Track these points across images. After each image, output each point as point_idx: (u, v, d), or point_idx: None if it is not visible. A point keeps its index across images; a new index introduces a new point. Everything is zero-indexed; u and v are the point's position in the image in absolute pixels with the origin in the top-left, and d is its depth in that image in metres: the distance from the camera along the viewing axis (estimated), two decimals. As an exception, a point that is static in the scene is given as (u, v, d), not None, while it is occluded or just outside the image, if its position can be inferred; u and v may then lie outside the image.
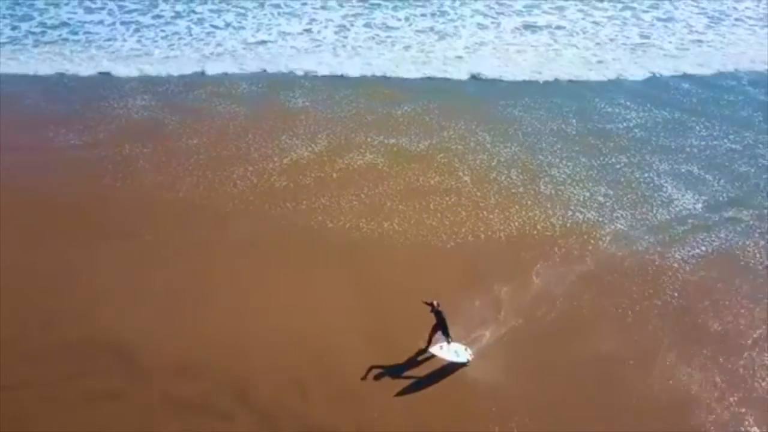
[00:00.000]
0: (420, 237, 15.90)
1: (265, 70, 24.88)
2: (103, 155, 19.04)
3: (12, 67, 25.16)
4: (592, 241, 15.73)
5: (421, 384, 12.10)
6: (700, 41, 27.74)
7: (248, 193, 17.35)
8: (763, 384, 12.25)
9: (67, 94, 23.23)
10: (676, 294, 14.24)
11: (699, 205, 16.93)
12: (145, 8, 30.87)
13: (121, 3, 31.34)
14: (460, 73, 24.83)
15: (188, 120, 21.10)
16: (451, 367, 12.31)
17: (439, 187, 17.76)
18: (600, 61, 26.20)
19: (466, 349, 12.46)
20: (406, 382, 12.11)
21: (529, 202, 17.06)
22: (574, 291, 14.20)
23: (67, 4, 31.31)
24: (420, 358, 12.48)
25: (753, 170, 18.42)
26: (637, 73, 24.94)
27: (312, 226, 16.27)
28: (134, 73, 24.93)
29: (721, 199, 17.21)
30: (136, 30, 28.83)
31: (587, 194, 17.45)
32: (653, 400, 11.98)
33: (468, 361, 12.36)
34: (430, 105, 22.26)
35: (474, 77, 24.50)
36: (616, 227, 16.19)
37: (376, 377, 12.11)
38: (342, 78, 24.25)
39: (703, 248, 15.41)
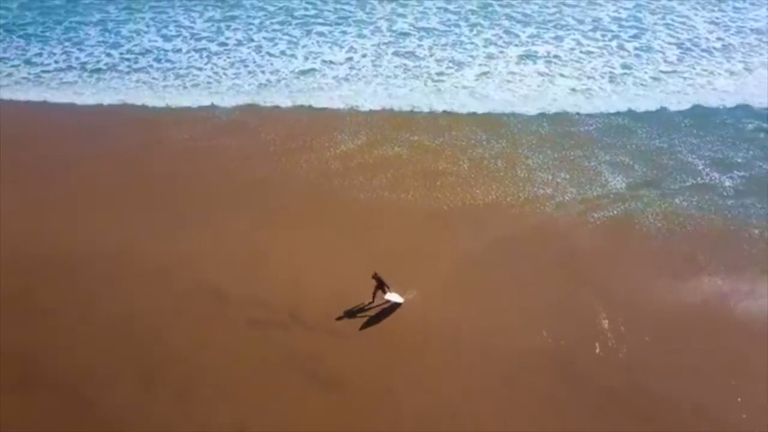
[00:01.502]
0: (426, 204, 24.79)
1: (311, 106, 32.53)
2: (203, 146, 28.52)
3: (117, 92, 34.47)
4: (541, 207, 24.47)
5: (382, 315, 20.08)
6: (674, 71, 35.60)
7: (311, 174, 26.38)
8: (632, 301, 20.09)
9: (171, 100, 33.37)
10: (585, 238, 22.95)
11: (623, 185, 25.67)
12: (212, 35, 40.23)
13: (192, 30, 40.73)
14: (464, 107, 32.46)
15: (265, 121, 30.65)
16: (393, 306, 20.05)
17: (444, 171, 26.68)
18: (587, 89, 33.89)
19: (399, 296, 20.13)
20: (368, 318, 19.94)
21: (507, 182, 25.92)
22: (520, 240, 22.71)
23: (147, 33, 40.72)
24: (374, 304, 20.07)
25: (672, 162, 27.00)
26: (615, 104, 32.41)
27: (351, 197, 25.00)
28: (206, 102, 33.11)
29: (639, 181, 25.86)
30: (208, 57, 37.73)
31: (549, 177, 26.25)
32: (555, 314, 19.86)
33: (402, 302, 20.15)
34: (442, 112, 31.83)
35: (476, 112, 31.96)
36: (563, 199, 24.90)
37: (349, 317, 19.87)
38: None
39: (614, 212, 24.21)
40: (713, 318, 19.59)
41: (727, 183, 26.00)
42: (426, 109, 32.43)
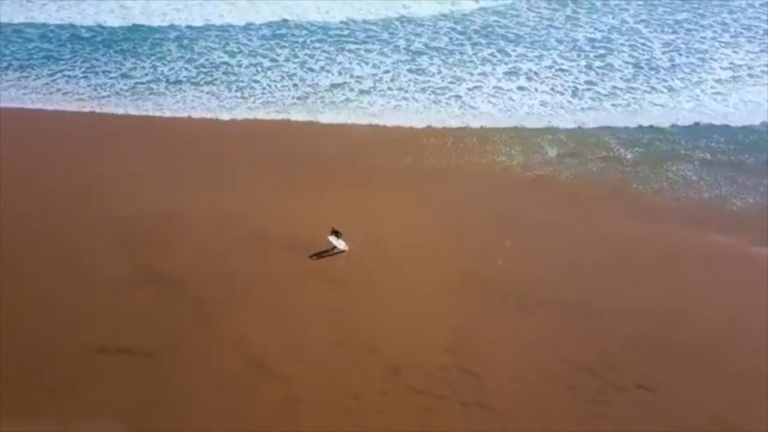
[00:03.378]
0: (418, 165, 38.08)
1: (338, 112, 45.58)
2: (260, 136, 41.78)
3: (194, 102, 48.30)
4: (494, 168, 38.25)
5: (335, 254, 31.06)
6: (626, 88, 47.95)
7: (330, 151, 39.56)
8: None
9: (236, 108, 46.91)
10: (515, 189, 36.59)
11: (554, 155, 39.26)
12: (266, 52, 52.99)
13: (250, 47, 53.54)
14: (454, 116, 45.07)
15: (304, 121, 44.39)
16: (338, 252, 30.81)
17: (435, 145, 40.35)
18: (556, 102, 46.23)
19: (345, 244, 30.51)
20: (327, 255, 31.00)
21: (477, 151, 39.42)
22: (471, 190, 35.91)
23: (216, 49, 53.50)
24: (330, 248, 30.97)
25: (594, 141, 40.53)
26: (572, 113, 45.07)
27: (356, 165, 38.00)
28: (260, 108, 46.33)
29: (567, 152, 39.51)
30: (264, 71, 50.43)
31: (507, 149, 39.85)
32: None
33: (346, 249, 30.45)
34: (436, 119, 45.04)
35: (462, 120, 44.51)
36: (512, 163, 38.45)
37: (316, 256, 31.02)
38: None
39: (543, 172, 37.93)
40: (589, 241, 32.48)
41: (629, 156, 40.10)
42: (425, 118, 45.13)
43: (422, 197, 36.03)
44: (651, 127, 43.86)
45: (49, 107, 46.96)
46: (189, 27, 57.85)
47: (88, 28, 57.73)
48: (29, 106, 46.98)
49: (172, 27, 57.91)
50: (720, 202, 35.95)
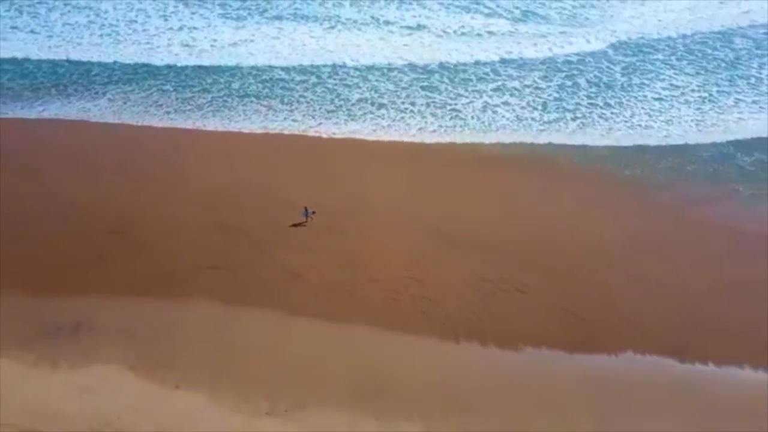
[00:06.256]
0: (403, 156, 55.66)
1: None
2: (294, 137, 63.84)
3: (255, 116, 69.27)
4: (457, 159, 55.31)
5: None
6: (587, 103, 65.27)
7: (355, 146, 59.70)
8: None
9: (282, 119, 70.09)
10: (472, 164, 54.07)
11: (501, 149, 56.92)
12: (314, 69, 70.56)
13: (301, 66, 72.42)
14: (446, 125, 63.45)
15: (331, 133, 66.10)
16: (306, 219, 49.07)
17: (421, 143, 57.96)
18: (528, 116, 64.27)
19: (311, 214, 46.68)
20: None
21: (449, 147, 57.60)
22: (440, 161, 55.10)
23: (276, 67, 72.99)
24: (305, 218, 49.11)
25: (543, 146, 60.00)
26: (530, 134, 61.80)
27: (369, 156, 57.36)
28: (303, 119, 67.56)
29: (508, 149, 57.44)
30: (311, 87, 68.69)
31: (469, 147, 58.29)
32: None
33: (311, 218, 45.69)
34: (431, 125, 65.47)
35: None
36: (468, 157, 56.21)
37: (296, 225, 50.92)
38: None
39: (487, 162, 54.70)
40: (504, 204, 51.07)
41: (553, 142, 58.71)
42: (422, 125, 62.57)
43: (398, 177, 53.50)
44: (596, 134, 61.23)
45: (147, 121, 64.25)
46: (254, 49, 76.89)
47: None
48: (134, 122, 64.34)
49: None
50: (605, 182, 54.39)
